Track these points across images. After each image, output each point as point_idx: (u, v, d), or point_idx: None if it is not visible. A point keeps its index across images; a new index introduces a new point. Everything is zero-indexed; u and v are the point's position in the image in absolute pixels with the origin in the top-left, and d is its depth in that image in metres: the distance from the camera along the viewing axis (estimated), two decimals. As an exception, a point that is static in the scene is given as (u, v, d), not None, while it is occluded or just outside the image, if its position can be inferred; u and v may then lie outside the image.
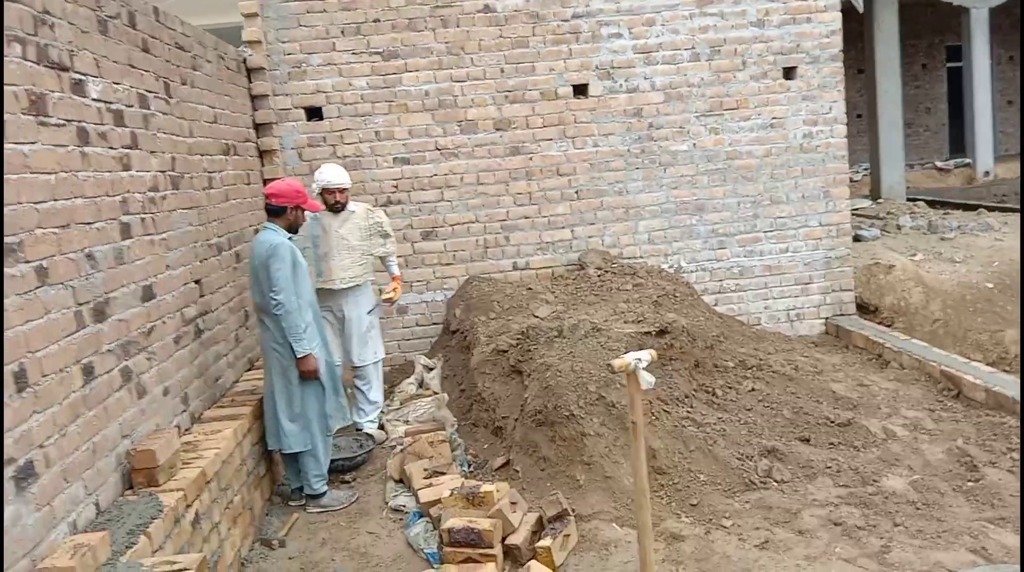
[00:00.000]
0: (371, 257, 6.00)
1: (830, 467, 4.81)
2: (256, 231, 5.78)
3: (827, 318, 7.78)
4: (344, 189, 5.82)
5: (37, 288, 3.05)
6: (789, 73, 7.49)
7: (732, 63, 7.39)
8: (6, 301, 2.84)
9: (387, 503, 4.98)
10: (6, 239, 2.87)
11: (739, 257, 7.62)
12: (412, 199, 7.27)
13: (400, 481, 5.24)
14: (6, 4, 3.03)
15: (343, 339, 6.01)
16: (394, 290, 6.09)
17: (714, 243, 7.58)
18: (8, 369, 2.81)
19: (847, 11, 7.86)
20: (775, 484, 4.66)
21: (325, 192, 5.79)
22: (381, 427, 6.04)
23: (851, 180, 8.86)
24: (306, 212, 5.09)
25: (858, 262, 8.12)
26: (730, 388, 5.59)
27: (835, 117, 7.59)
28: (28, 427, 2.91)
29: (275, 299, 4.60)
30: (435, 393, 6.35)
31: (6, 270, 2.85)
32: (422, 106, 7.15)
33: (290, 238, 4.83)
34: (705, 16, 7.31)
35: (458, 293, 7.23)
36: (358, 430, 5.94)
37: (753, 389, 5.62)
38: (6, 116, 2.95)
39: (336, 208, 5.81)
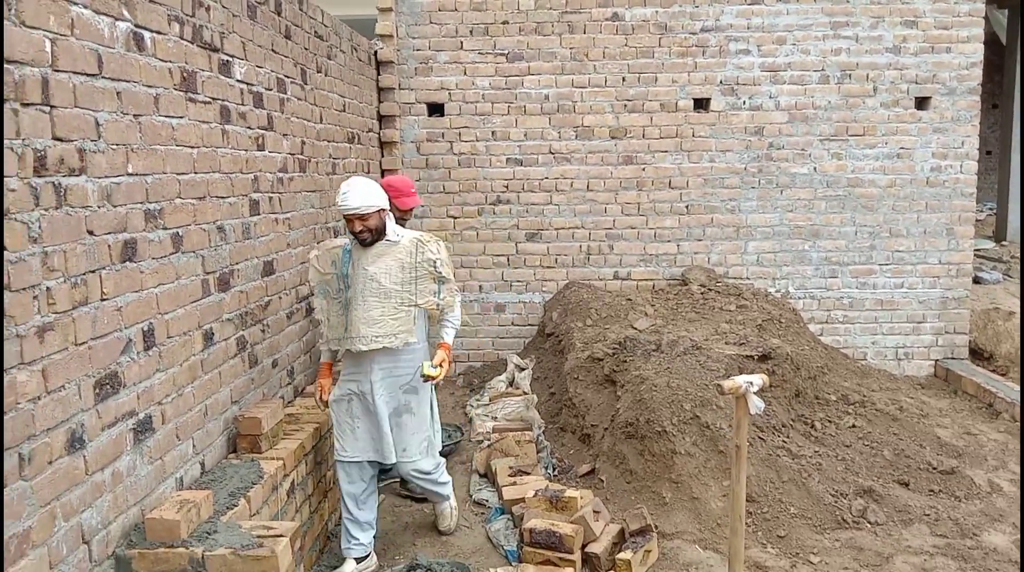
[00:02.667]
0: (414, 308, 4.02)
1: (928, 515, 4.61)
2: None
3: (937, 360, 7.45)
4: (364, 215, 3.88)
5: (171, 254, 3.24)
6: (922, 103, 7.21)
7: (862, 88, 7.17)
8: (143, 262, 3.02)
9: (471, 496, 5.05)
10: (149, 205, 3.06)
11: (851, 288, 7.38)
12: (521, 200, 7.34)
13: (484, 476, 5.31)
14: (170, -14, 3.23)
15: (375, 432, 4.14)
16: (440, 365, 4.06)
17: (826, 271, 7.36)
18: (138, 327, 3.00)
19: (988, 42, 7.49)
20: (868, 525, 4.51)
21: (345, 219, 4.01)
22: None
23: (976, 219, 8.43)
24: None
25: (976, 305, 7.74)
26: (830, 422, 5.43)
27: (967, 152, 7.26)
28: (150, 384, 3.09)
29: None
30: (525, 393, 6.40)
31: (146, 235, 3.04)
32: (540, 109, 7.21)
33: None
34: (839, 39, 7.11)
35: (556, 297, 7.26)
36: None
37: (854, 425, 5.44)
38: (160, 90, 3.15)
39: (363, 240, 3.96)
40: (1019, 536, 4.43)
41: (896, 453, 5.16)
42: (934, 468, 5.03)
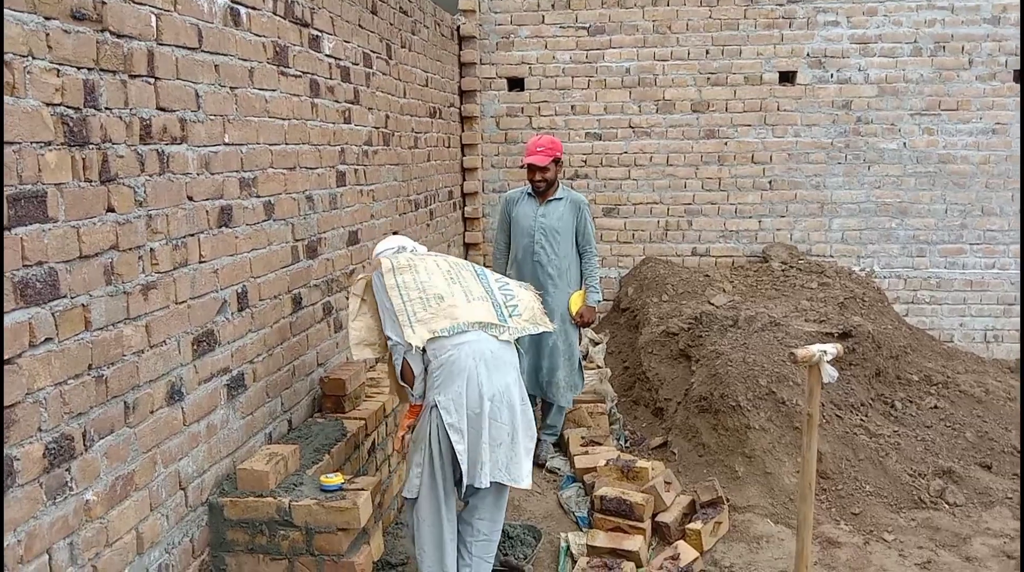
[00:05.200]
0: None
1: (1011, 498, 4.50)
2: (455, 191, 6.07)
3: (1030, 344, 7.18)
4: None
5: (264, 221, 3.40)
6: (1022, 76, 6.90)
7: (957, 61, 6.90)
8: (238, 228, 3.19)
9: (543, 463, 5.15)
10: (243, 173, 3.23)
11: (939, 267, 7.16)
12: (599, 175, 7.35)
13: (557, 445, 5.40)
14: (264, -37, 3.37)
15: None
16: None
17: (913, 250, 7.15)
18: (232, 289, 3.17)
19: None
20: (947, 506, 4.43)
21: None
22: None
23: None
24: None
25: (1076, 288, 7.40)
26: (911, 402, 5.32)
27: (1070, 127, 6.92)
28: (243, 343, 3.27)
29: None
30: (599, 366, 6.45)
31: (241, 202, 3.21)
32: (620, 83, 7.19)
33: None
34: (933, 9, 6.85)
35: (632, 272, 7.27)
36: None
37: (936, 406, 5.32)
38: (254, 63, 3.30)
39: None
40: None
41: (979, 435, 5.04)
42: (1019, 451, 4.89)
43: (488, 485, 3.21)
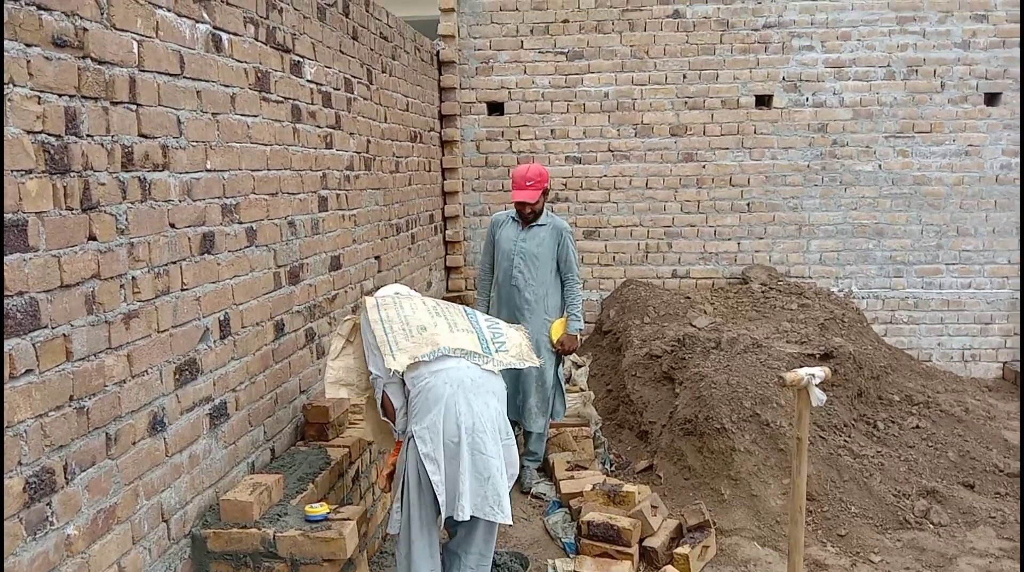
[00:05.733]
0: None
1: (994, 517, 4.52)
2: (433, 216, 6.07)
3: (1005, 362, 7.25)
4: None
5: (246, 247, 3.37)
6: (992, 99, 7.03)
7: (929, 84, 7.03)
8: (220, 254, 3.16)
9: (528, 489, 5.11)
10: (225, 199, 3.20)
11: (916, 288, 7.24)
12: (579, 198, 7.38)
13: (542, 470, 5.36)
14: (246, -10, 3.36)
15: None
16: None
17: (890, 270, 7.23)
18: (215, 317, 3.13)
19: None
20: (931, 526, 4.44)
21: None
22: None
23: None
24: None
25: (1049, 307, 7.50)
26: (893, 422, 5.35)
27: (1040, 149, 7.06)
28: (225, 371, 3.22)
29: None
30: (582, 390, 6.43)
31: (223, 228, 3.18)
32: (599, 107, 7.24)
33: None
34: (905, 34, 6.98)
35: (614, 294, 7.28)
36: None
37: (917, 426, 5.35)
38: (236, 89, 3.28)
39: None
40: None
41: (961, 455, 5.07)
42: (1000, 470, 4.93)
43: (468, 518, 3.11)
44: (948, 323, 7.25)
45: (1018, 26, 6.91)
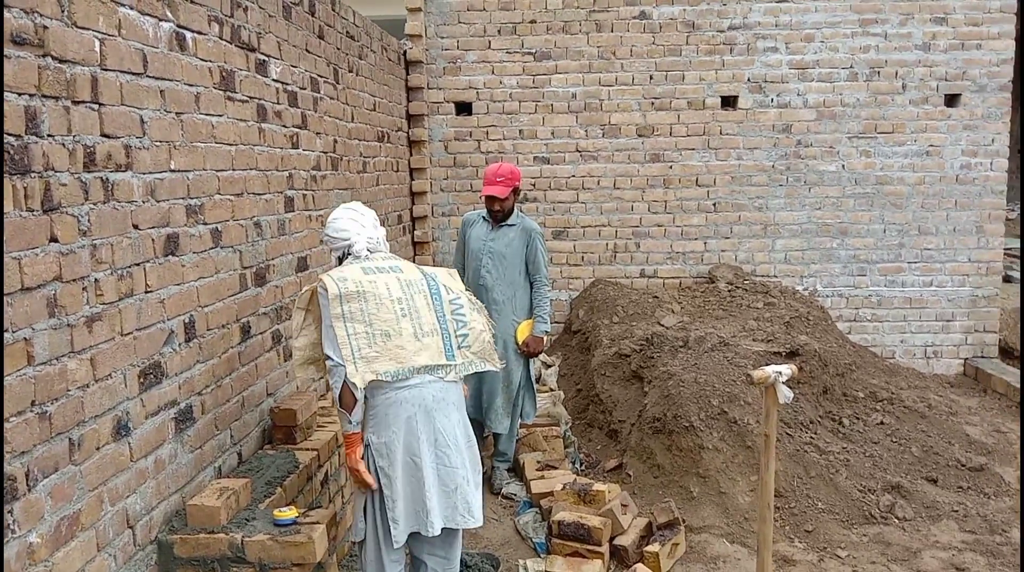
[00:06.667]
0: None
1: (957, 511, 4.60)
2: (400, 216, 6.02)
3: (967, 359, 7.39)
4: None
5: (211, 249, 3.33)
6: (952, 100, 7.17)
7: (891, 86, 7.14)
8: (185, 256, 3.11)
9: (499, 490, 5.10)
10: (190, 200, 3.15)
11: (879, 286, 7.35)
12: (548, 198, 7.39)
13: (511, 470, 5.36)
14: (210, -12, 3.32)
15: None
16: None
17: (854, 269, 7.34)
18: (179, 319, 3.08)
19: (1020, 39, 7.43)
20: (896, 520, 4.51)
21: None
22: None
23: (1007, 218, 8.37)
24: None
25: (1006, 304, 7.67)
26: (858, 419, 5.43)
27: (997, 150, 7.20)
28: (191, 374, 3.18)
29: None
30: (552, 389, 6.44)
31: (188, 230, 3.13)
32: (567, 108, 7.26)
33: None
34: (867, 36, 7.09)
35: (583, 294, 7.30)
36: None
37: (882, 422, 5.43)
38: (201, 88, 3.24)
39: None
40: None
41: (924, 450, 5.16)
42: (963, 465, 5.02)
43: (438, 532, 3.12)
44: (911, 321, 7.38)
45: (976, 28, 7.05)
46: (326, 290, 3.08)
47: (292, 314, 3.36)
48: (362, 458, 3.13)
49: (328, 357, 3.10)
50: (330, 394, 3.80)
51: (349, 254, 3.32)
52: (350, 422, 3.11)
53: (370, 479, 3.11)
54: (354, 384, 3.01)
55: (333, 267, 3.38)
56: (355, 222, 3.35)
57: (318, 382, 4.02)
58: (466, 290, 3.45)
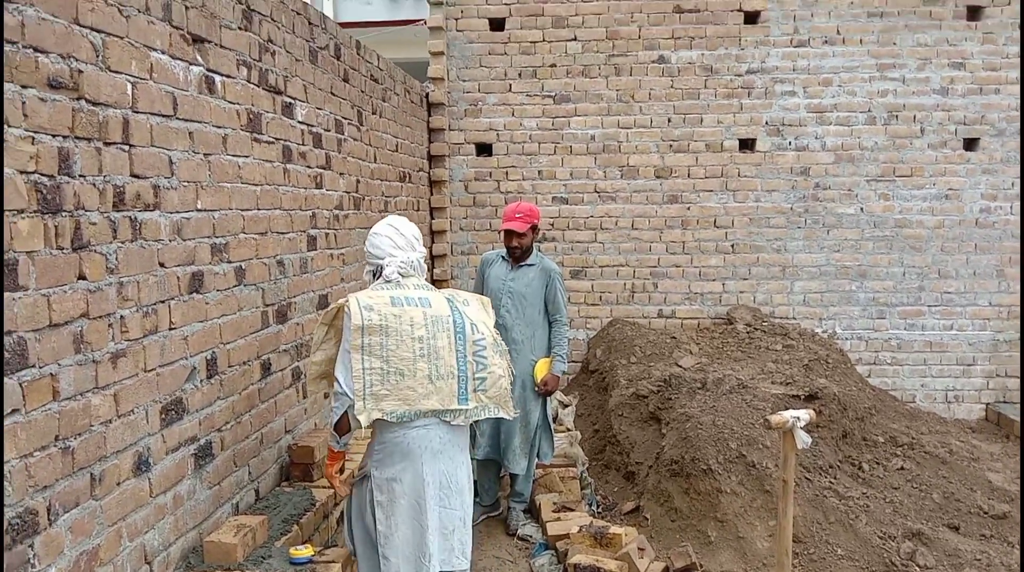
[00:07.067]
0: None
1: (979, 560, 4.52)
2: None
3: (988, 404, 7.30)
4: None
5: (234, 286, 3.38)
6: (971, 144, 7.18)
7: (909, 130, 7.17)
8: (209, 294, 3.16)
9: (515, 531, 5.07)
10: (215, 239, 3.21)
11: (899, 329, 7.30)
12: (566, 238, 7.43)
13: (528, 511, 5.33)
14: (239, 32, 3.42)
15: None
16: None
17: (873, 312, 7.30)
18: (202, 356, 3.13)
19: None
20: (918, 568, 4.43)
21: None
22: None
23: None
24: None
25: (1031, 349, 7.58)
26: (878, 464, 5.36)
27: (1017, 194, 7.18)
28: (211, 411, 3.21)
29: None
30: (568, 429, 6.41)
31: (212, 268, 3.19)
32: (586, 149, 7.33)
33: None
34: (885, 80, 7.14)
35: (600, 334, 7.30)
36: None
37: (902, 468, 5.37)
38: (228, 130, 3.32)
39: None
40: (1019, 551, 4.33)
41: (946, 496, 5.08)
42: (985, 512, 4.94)
43: None
44: (931, 364, 7.31)
45: (994, 73, 7.08)
46: (350, 317, 3.03)
47: (315, 330, 3.31)
48: (347, 484, 3.25)
49: (337, 381, 3.07)
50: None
51: (381, 274, 3.25)
52: (338, 442, 3.15)
53: (345, 490, 3.23)
54: (357, 420, 2.97)
55: (365, 280, 3.34)
56: (391, 242, 3.25)
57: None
58: (494, 328, 3.38)
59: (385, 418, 3.01)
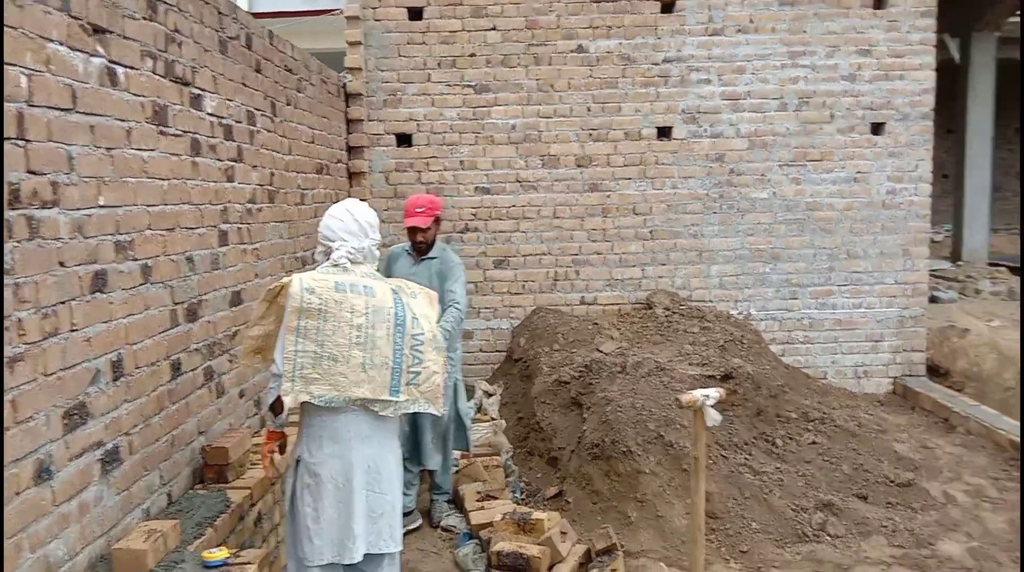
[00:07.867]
0: None
1: (886, 526, 4.75)
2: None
3: (895, 378, 7.64)
4: None
5: (141, 285, 3.29)
6: (877, 129, 7.46)
7: (820, 115, 7.41)
8: (113, 293, 3.08)
9: (438, 523, 5.09)
10: (119, 236, 3.12)
11: (810, 309, 7.57)
12: (488, 228, 7.46)
13: (451, 501, 5.36)
14: (143, 22, 3.32)
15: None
16: None
17: (786, 293, 7.55)
18: (107, 358, 3.04)
19: (941, 69, 7.78)
20: (828, 538, 4.63)
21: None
22: None
23: (932, 240, 8.69)
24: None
25: (932, 324, 7.96)
26: (791, 439, 5.56)
27: (920, 175, 7.51)
28: (118, 414, 3.12)
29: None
30: (493, 419, 6.46)
31: (116, 266, 3.10)
32: (507, 139, 7.35)
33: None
34: (796, 67, 7.35)
35: (524, 322, 7.36)
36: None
37: (814, 442, 5.57)
38: (132, 123, 3.22)
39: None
40: (974, 544, 4.58)
41: (855, 468, 5.30)
42: (891, 481, 5.18)
43: (360, 559, 3.15)
44: (841, 342, 7.60)
45: (898, 60, 7.36)
46: (291, 298, 3.02)
47: (256, 304, 3.27)
48: (274, 467, 3.29)
49: (274, 360, 3.10)
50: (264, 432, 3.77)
51: (329, 257, 3.25)
52: (274, 422, 3.21)
53: (272, 471, 3.28)
54: (284, 401, 3.02)
55: (317, 260, 3.36)
56: (344, 226, 3.24)
57: (263, 372, 4.01)
58: (437, 324, 3.36)
59: (313, 402, 3.04)
